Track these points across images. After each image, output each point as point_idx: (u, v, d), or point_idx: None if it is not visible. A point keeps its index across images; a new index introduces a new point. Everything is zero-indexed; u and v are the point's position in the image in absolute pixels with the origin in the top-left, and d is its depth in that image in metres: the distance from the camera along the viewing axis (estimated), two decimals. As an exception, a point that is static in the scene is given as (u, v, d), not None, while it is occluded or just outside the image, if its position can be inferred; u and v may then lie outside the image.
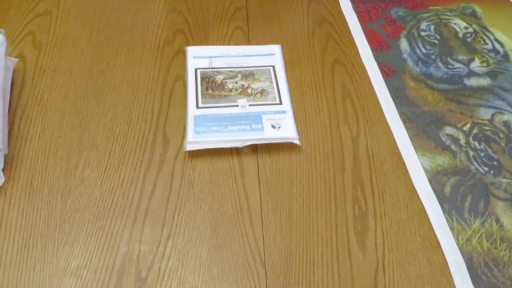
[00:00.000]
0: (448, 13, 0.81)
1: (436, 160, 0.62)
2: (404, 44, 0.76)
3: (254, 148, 0.63)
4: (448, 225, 0.56)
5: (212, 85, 0.68)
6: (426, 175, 0.61)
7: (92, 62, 0.72)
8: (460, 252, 0.54)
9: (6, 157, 0.60)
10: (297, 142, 0.62)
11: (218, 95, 0.67)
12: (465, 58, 0.74)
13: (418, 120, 0.66)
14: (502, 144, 0.64)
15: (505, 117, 0.67)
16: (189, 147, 0.61)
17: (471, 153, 0.63)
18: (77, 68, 0.71)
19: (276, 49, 0.74)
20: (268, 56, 0.73)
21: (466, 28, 0.78)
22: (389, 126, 0.66)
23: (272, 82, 0.69)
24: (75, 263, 0.53)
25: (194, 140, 0.61)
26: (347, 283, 0.52)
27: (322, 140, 0.64)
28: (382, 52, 0.75)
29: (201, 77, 0.69)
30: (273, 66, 0.71)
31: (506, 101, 0.69)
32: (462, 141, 0.64)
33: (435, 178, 0.61)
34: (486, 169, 0.61)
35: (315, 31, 0.79)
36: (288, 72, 0.72)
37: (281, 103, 0.66)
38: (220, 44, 0.75)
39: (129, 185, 0.59)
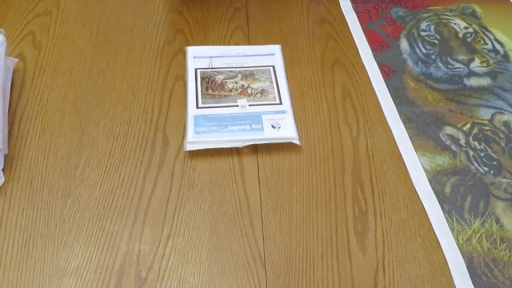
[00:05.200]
0: (448, 13, 0.81)
1: (436, 160, 0.62)
2: (404, 44, 0.76)
3: (254, 148, 0.63)
4: (448, 225, 0.56)
5: (212, 85, 0.68)
6: (426, 175, 0.61)
7: (92, 62, 0.72)
8: (460, 252, 0.54)
9: (6, 157, 0.60)
10: (297, 142, 0.62)
11: (218, 95, 0.67)
12: (465, 58, 0.74)
13: (418, 120, 0.66)
14: (502, 144, 0.64)
15: (505, 117, 0.67)
16: (189, 147, 0.61)
17: (471, 153, 0.63)
18: (77, 68, 0.71)
19: (276, 49, 0.74)
20: (268, 56, 0.73)
21: (466, 28, 0.78)
22: (389, 126, 0.66)
23: (272, 82, 0.69)
24: (75, 263, 0.53)
25: (194, 140, 0.61)
26: (347, 283, 0.52)
27: (322, 140, 0.64)
28: (382, 52, 0.75)
29: (201, 77, 0.69)
30: (273, 66, 0.71)
31: (506, 101, 0.69)
32: (462, 141, 0.64)
33: (435, 178, 0.61)
34: (486, 169, 0.61)
35: (315, 31, 0.79)
36: (288, 72, 0.72)
37: (281, 103, 0.66)
38: (220, 44, 0.75)
39: (129, 185, 0.59)
